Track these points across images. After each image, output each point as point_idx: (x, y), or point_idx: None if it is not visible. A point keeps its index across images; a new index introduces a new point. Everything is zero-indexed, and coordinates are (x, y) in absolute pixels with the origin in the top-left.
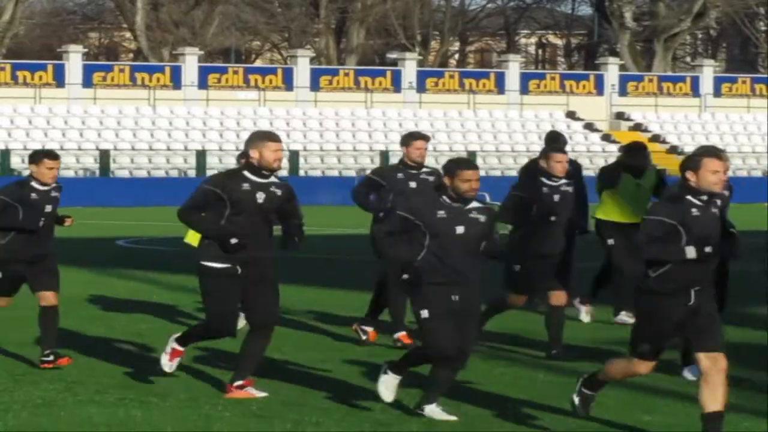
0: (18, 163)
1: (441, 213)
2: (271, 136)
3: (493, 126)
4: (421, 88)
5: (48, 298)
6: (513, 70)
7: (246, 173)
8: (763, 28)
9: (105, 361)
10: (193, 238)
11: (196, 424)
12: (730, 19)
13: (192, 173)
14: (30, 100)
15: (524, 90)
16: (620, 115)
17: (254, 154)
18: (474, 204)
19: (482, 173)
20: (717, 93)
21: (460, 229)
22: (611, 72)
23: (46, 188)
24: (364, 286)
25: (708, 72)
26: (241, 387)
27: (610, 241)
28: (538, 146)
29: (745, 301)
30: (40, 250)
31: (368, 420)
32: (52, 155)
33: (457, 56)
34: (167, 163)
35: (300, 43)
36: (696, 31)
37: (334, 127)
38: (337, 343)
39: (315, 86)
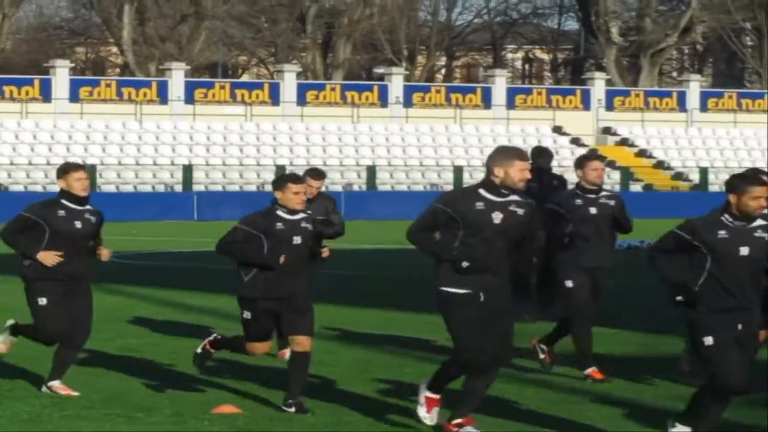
0: (4, 177)
1: (722, 233)
2: (519, 155)
3: (480, 141)
4: (407, 103)
5: (302, 342)
6: (499, 84)
7: (482, 191)
8: (750, 43)
9: (92, 376)
10: None
11: None
12: (717, 34)
13: (178, 188)
14: (17, 114)
15: (511, 105)
16: (607, 130)
17: (499, 172)
18: (759, 222)
19: None
20: (703, 108)
21: (744, 251)
22: (598, 87)
23: (294, 217)
24: (343, 299)
25: (694, 87)
26: (459, 425)
27: None
28: None
29: None
30: (291, 287)
31: None
32: (296, 178)
33: (443, 71)
34: (154, 177)
35: (286, 58)
36: (682, 46)
37: (321, 142)
38: (322, 357)
39: (301, 101)
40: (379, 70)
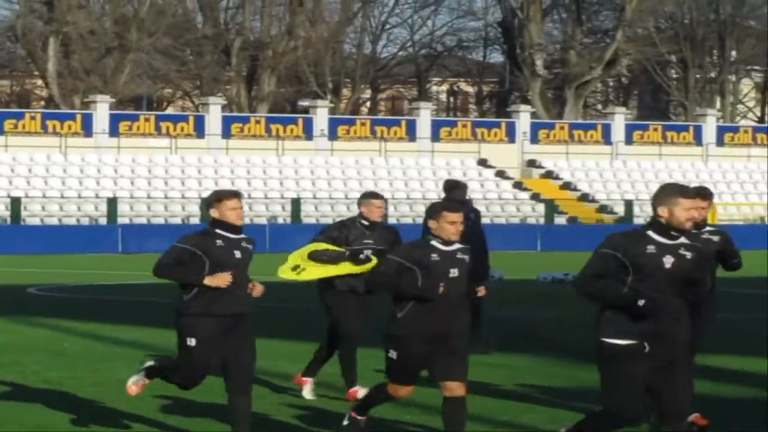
0: None
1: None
2: (684, 192)
3: (405, 174)
4: (332, 135)
5: (455, 388)
6: (424, 117)
7: (651, 233)
8: (675, 76)
9: (15, 409)
10: (286, 272)
11: None
12: (642, 67)
13: (103, 221)
14: None
15: (436, 137)
16: (532, 163)
17: (663, 212)
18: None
19: (393, 221)
20: (629, 140)
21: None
22: (523, 119)
23: (450, 248)
24: (288, 333)
25: (619, 119)
26: None
27: None
28: None
29: None
30: (448, 326)
31: None
32: (452, 207)
33: (368, 104)
34: (78, 210)
35: (211, 90)
36: (607, 78)
37: (246, 174)
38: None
39: (226, 134)
40: (304, 103)
